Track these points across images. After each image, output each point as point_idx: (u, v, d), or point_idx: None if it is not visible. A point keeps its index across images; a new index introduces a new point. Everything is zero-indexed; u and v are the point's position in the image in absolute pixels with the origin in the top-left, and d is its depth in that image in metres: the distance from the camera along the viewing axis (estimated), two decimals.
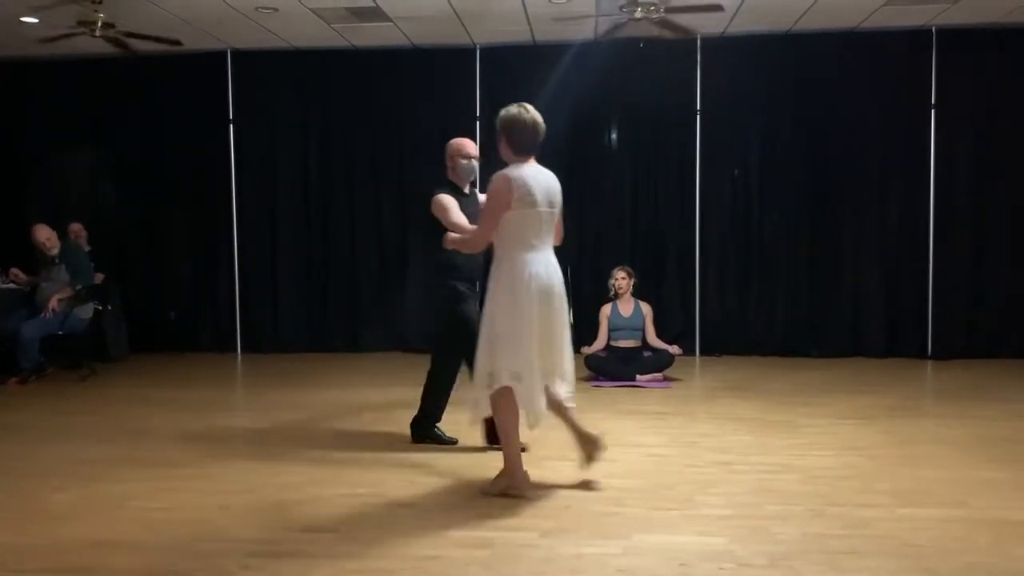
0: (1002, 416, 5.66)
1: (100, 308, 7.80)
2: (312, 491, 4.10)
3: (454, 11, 7.47)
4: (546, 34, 8.18)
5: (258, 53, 8.76)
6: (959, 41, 8.08)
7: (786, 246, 8.44)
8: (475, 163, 4.96)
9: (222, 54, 8.84)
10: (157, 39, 7.07)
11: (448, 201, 4.66)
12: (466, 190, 4.97)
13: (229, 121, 8.93)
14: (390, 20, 7.73)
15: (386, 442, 5.09)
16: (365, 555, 3.29)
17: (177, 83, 8.83)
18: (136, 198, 9.02)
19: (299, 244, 8.96)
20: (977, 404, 6.09)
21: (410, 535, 3.50)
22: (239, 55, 8.86)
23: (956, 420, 5.58)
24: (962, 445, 4.90)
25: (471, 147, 4.97)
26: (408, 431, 5.10)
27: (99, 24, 6.82)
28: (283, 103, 8.93)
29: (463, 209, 4.69)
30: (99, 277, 8.02)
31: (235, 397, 7.21)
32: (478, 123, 8.73)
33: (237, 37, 8.33)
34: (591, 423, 5.39)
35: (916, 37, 8.14)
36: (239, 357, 8.89)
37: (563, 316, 4.09)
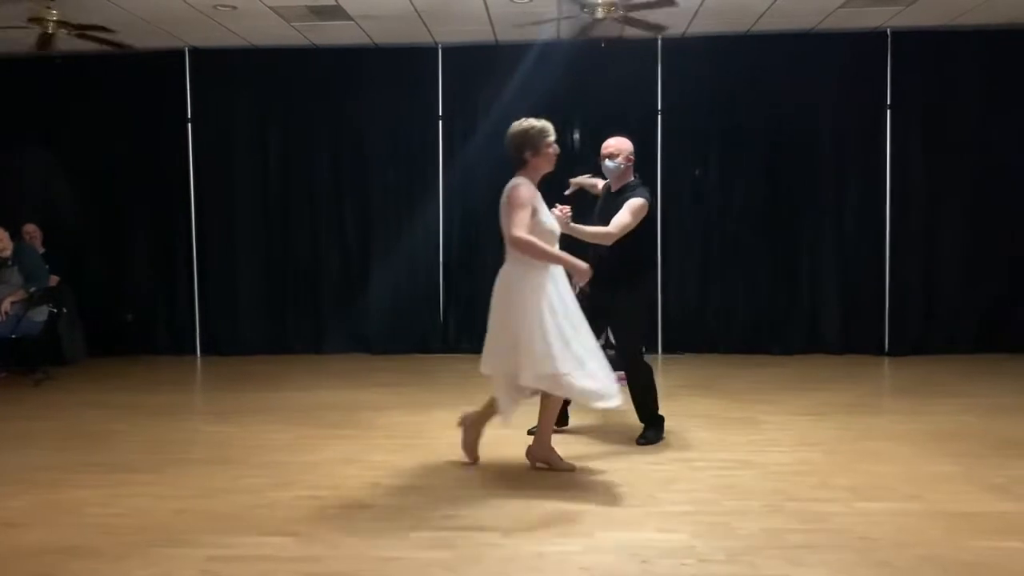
0: (956, 411, 5.77)
1: (55, 311, 7.65)
2: (271, 494, 4.06)
3: (416, 10, 7.44)
4: (508, 34, 8.18)
5: (217, 51, 8.65)
6: (913, 43, 8.23)
7: (746, 245, 8.53)
8: (610, 163, 4.96)
9: (180, 52, 8.72)
10: (106, 42, 6.95)
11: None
12: (613, 188, 4.99)
13: (187, 120, 8.81)
14: (351, 19, 7.68)
15: (348, 444, 5.06)
16: (324, 558, 3.27)
17: (134, 82, 8.68)
18: (92, 198, 8.86)
19: (259, 244, 8.86)
20: (932, 400, 6.21)
21: (371, 537, 3.48)
22: (197, 53, 8.74)
23: (911, 415, 5.69)
24: (917, 440, 4.99)
25: (606, 147, 5.00)
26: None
27: (52, 22, 6.69)
28: (243, 102, 8.82)
29: (603, 206, 4.95)
30: (54, 279, 7.87)
31: (194, 400, 7.13)
32: (440, 123, 8.72)
33: (195, 35, 8.22)
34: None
35: (871, 39, 8.27)
36: (198, 360, 8.77)
37: (494, 317, 4.34)
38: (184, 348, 8.88)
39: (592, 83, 8.43)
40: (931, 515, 3.67)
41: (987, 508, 3.76)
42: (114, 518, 3.78)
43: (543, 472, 4.40)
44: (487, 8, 7.40)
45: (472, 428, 4.60)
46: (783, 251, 8.51)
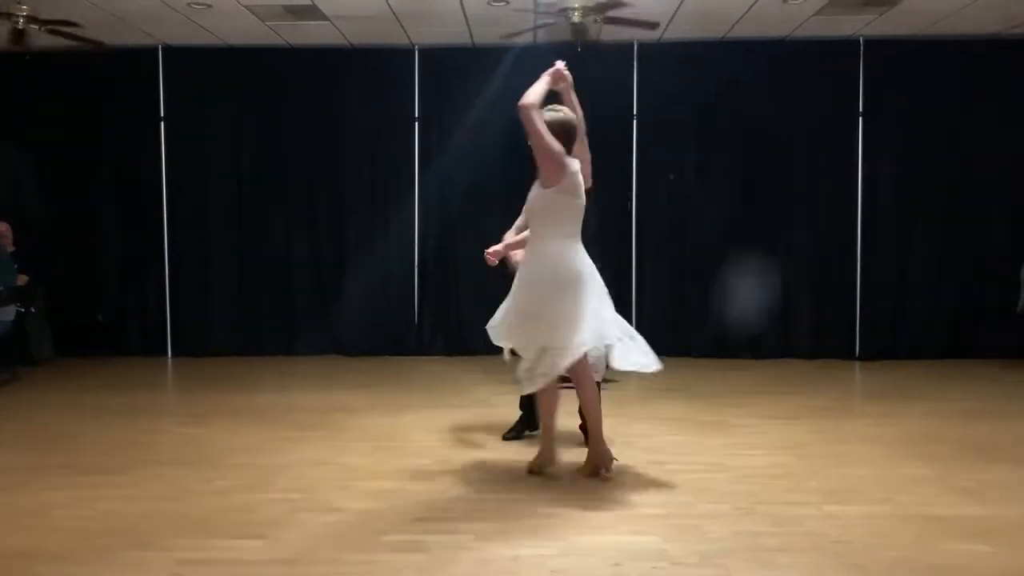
0: (926, 415, 5.83)
1: (23, 310, 7.54)
2: (242, 497, 4.02)
3: (392, 11, 7.41)
4: (485, 36, 8.17)
5: (191, 50, 8.57)
6: (885, 51, 8.32)
7: (719, 249, 8.58)
8: None
9: (153, 50, 8.63)
10: (80, 39, 6.88)
11: None
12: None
13: (160, 119, 8.72)
14: (327, 19, 7.63)
15: (320, 446, 5.01)
16: (295, 562, 3.23)
17: (106, 79, 8.57)
18: (62, 197, 8.74)
19: (232, 245, 8.78)
20: (902, 403, 6.27)
21: (343, 540, 3.45)
22: (171, 51, 8.66)
23: (882, 419, 5.74)
24: (888, 443, 5.03)
25: None
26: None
27: (22, 17, 6.60)
28: (217, 102, 8.74)
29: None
30: (23, 278, 7.74)
31: (165, 401, 7.04)
32: (416, 124, 8.69)
33: (169, 33, 8.14)
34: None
35: (845, 47, 8.36)
36: (169, 361, 8.67)
37: None
38: (155, 349, 8.77)
39: None
40: (902, 518, 3.70)
41: (956, 511, 3.80)
42: (81, 521, 3.71)
43: (517, 475, 4.38)
44: (464, 10, 7.39)
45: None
46: (756, 255, 8.55)
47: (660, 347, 8.51)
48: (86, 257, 8.79)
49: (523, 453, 4.83)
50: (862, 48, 8.38)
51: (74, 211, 8.76)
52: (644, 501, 3.95)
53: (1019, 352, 7.97)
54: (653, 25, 7.06)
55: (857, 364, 8.28)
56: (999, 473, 4.38)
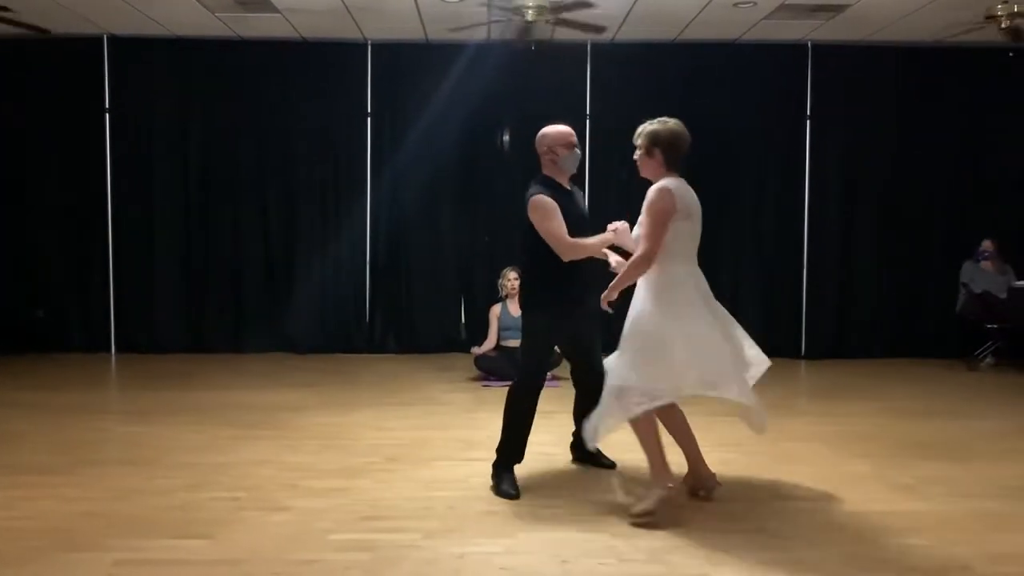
0: (869, 413, 5.96)
1: None
2: (186, 496, 3.95)
3: (345, 5, 7.34)
4: (439, 33, 8.13)
5: (137, 40, 8.39)
6: (832, 56, 8.48)
7: None
8: (579, 152, 4.45)
9: (98, 40, 8.42)
10: (25, 25, 6.70)
11: (549, 204, 4.21)
12: (567, 186, 4.46)
13: (105, 110, 8.52)
14: (278, 11, 7.53)
15: (266, 445, 4.94)
16: (240, 561, 3.18)
17: (49, 69, 8.35)
18: (1, 188, 8.49)
19: (178, 238, 8.60)
20: (846, 402, 6.39)
21: (289, 540, 3.41)
22: (116, 41, 8.46)
23: (827, 418, 5.85)
24: (832, 441, 5.13)
25: (573, 135, 4.42)
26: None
27: None
28: (164, 94, 8.56)
29: (566, 209, 4.29)
30: None
31: (107, 399, 6.88)
32: (369, 120, 8.62)
33: (114, 22, 7.96)
34: (480, 423, 5.44)
35: (793, 51, 8.50)
36: (113, 358, 8.48)
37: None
38: (98, 345, 8.56)
39: (522, 86, 8.45)
40: (845, 514, 3.78)
41: (896, 507, 3.88)
42: (16, 522, 3.61)
43: (464, 473, 4.37)
44: (417, 6, 7.34)
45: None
46: (704, 255, 8.60)
47: (609, 346, 8.66)
48: (26, 251, 8.55)
49: (470, 452, 4.82)
50: (810, 52, 8.53)
51: (13, 202, 8.51)
52: (593, 498, 3.98)
53: (959, 352, 8.20)
54: (600, 29, 7.10)
55: (803, 363, 8.42)
56: (936, 470, 4.49)
